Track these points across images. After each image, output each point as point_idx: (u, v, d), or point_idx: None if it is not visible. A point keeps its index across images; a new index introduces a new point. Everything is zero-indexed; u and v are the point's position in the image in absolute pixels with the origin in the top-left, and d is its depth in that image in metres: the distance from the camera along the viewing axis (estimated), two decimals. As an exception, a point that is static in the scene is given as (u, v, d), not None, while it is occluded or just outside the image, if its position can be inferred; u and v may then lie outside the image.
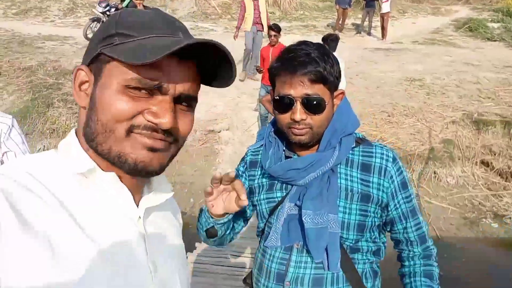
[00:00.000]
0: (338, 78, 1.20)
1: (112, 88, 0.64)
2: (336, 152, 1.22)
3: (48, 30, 10.86)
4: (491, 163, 5.52)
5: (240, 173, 1.42)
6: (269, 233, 1.29)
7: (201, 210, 1.30)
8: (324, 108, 1.17)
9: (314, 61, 1.13)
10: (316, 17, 14.80)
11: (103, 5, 9.84)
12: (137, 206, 0.74)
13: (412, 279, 1.29)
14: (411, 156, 5.55)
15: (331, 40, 5.19)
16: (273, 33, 5.81)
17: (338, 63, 1.20)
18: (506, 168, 5.40)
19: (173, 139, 0.69)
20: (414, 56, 9.55)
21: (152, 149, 0.66)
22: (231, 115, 6.63)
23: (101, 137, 0.65)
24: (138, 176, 0.68)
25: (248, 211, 1.45)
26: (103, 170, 0.68)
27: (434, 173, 5.34)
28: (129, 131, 0.65)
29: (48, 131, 6.23)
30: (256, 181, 1.37)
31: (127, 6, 8.19)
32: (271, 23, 7.07)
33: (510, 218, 4.78)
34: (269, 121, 5.09)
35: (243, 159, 1.44)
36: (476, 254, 4.30)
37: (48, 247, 0.57)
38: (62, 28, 11.46)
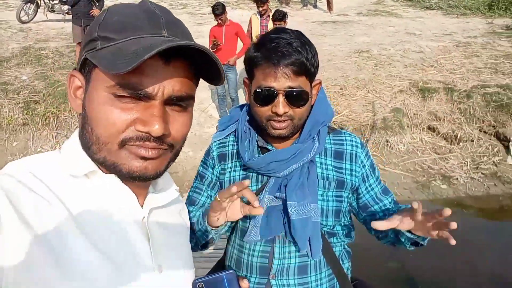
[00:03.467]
0: (317, 68, 1.18)
1: (99, 98, 0.63)
2: (316, 142, 1.23)
3: (-24, 14, 9.97)
4: (436, 128, 5.87)
5: (208, 168, 1.37)
6: (245, 227, 1.27)
7: (191, 225, 1.24)
8: (307, 101, 1.16)
9: (297, 51, 1.10)
10: (261, -10, 14.63)
11: (37, -16, 9.17)
12: (142, 206, 0.74)
13: (392, 211, 1.29)
14: (364, 127, 5.79)
15: (278, 16, 5.26)
16: (218, 18, 5.56)
17: (316, 52, 1.18)
18: (450, 132, 5.78)
19: (167, 145, 0.67)
20: (360, 28, 9.81)
21: (145, 158, 0.65)
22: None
23: (95, 147, 0.65)
24: (136, 181, 0.68)
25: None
26: (104, 172, 0.68)
27: (386, 141, 5.61)
28: (123, 144, 0.64)
29: (-10, 125, 5.82)
30: (227, 175, 1.32)
31: None
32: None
33: (456, 178, 5.16)
34: (227, 100, 4.90)
35: (208, 152, 1.38)
36: (429, 215, 4.63)
37: (49, 249, 0.58)
38: (-9, 11, 10.55)
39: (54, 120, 5.85)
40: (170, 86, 0.64)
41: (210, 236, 1.20)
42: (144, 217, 0.73)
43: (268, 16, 5.91)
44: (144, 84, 0.61)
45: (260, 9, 5.92)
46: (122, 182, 0.69)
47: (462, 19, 11.16)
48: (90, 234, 0.63)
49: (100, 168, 0.68)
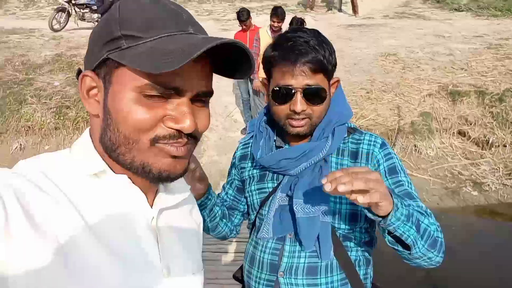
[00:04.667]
0: (335, 66, 1.18)
1: (126, 97, 0.62)
2: (329, 142, 1.21)
3: (11, 24, 10.39)
4: (467, 132, 5.71)
5: (232, 167, 1.44)
6: (260, 224, 1.28)
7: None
8: (325, 98, 1.16)
9: (314, 49, 1.11)
10: (286, -5, 14.66)
11: (68, -7, 9.48)
12: (152, 206, 0.73)
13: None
14: (392, 131, 5.68)
15: (296, 24, 5.22)
16: (242, 24, 5.69)
17: (334, 51, 1.18)
18: (481, 137, 5.60)
19: (193, 139, 0.68)
20: (387, 31, 9.65)
21: (175, 157, 0.65)
22: (211, 101, 6.55)
23: (123, 148, 0.64)
24: (162, 183, 0.68)
25: (241, 203, 1.45)
26: (114, 172, 0.68)
27: (415, 146, 5.49)
28: (154, 141, 0.63)
29: (23, 129, 6.03)
30: (246, 173, 1.36)
31: None
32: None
33: (488, 185, 4.99)
34: (251, 104, 4.95)
35: (234, 153, 1.43)
36: (460, 222, 4.50)
37: (58, 250, 0.57)
38: (25, 21, 11.00)
39: (84, 125, 6.00)
40: (198, 83, 0.65)
41: (205, 213, 1.29)
42: (153, 217, 0.72)
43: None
44: (175, 81, 0.62)
45: (276, 24, 5.24)
46: (132, 182, 0.69)
47: (492, 21, 10.83)
48: (99, 235, 0.62)
49: (111, 168, 0.68)
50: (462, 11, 12.28)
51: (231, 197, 1.45)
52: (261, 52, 5.33)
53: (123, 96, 0.62)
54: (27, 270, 0.54)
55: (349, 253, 1.23)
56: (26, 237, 0.54)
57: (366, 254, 1.28)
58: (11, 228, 0.53)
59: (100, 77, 0.65)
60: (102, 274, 0.61)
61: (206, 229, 1.36)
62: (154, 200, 0.74)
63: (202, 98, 0.67)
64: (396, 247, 1.07)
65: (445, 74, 6.75)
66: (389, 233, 1.03)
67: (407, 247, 1.05)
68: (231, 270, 3.11)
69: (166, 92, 0.62)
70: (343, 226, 1.22)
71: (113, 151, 0.65)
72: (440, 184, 5.06)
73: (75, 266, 0.58)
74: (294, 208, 1.17)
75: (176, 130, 0.63)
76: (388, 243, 1.07)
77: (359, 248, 1.25)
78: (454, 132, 5.72)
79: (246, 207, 1.45)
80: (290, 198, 1.22)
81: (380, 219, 0.98)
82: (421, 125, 5.69)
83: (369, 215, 0.99)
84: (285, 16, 5.28)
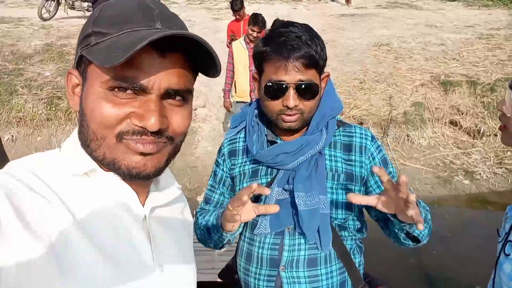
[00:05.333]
0: (325, 61, 1.19)
1: (95, 93, 0.62)
2: (324, 135, 1.24)
3: (-1, 12, 10.18)
4: (459, 122, 5.77)
5: (220, 165, 1.38)
6: (255, 221, 1.26)
7: (207, 229, 1.29)
8: (317, 94, 1.17)
9: (307, 44, 1.11)
10: (279, -16, 14.56)
11: (57, -19, 9.30)
12: (143, 204, 0.73)
13: None
14: (385, 121, 5.72)
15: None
16: (236, 14, 5.65)
17: (325, 46, 1.19)
18: (473, 127, 5.67)
19: (166, 138, 0.66)
20: (379, 21, 9.65)
21: (144, 154, 0.64)
22: (205, 92, 6.55)
23: (93, 143, 0.64)
24: (135, 180, 0.67)
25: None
26: (105, 170, 0.67)
27: (407, 136, 5.54)
28: (120, 137, 0.63)
29: (14, 120, 5.96)
30: (237, 170, 1.34)
31: None
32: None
33: (479, 174, 5.07)
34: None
35: (220, 150, 1.40)
36: (452, 211, 4.58)
37: (50, 249, 0.57)
38: (13, 9, 10.77)
39: (76, 115, 5.94)
40: (166, 79, 0.63)
41: (227, 238, 1.25)
42: (145, 216, 0.72)
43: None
44: (139, 77, 0.60)
45: (255, 34, 4.45)
46: (123, 180, 0.68)
47: (484, 11, 10.88)
48: (91, 234, 0.62)
49: (100, 167, 0.67)
50: (454, 0, 12.31)
51: (227, 197, 1.41)
52: (240, 68, 4.47)
53: (92, 92, 0.63)
54: (18, 269, 0.54)
55: (344, 243, 1.27)
56: (17, 237, 0.54)
57: (359, 242, 1.33)
58: (2, 228, 0.54)
59: (80, 74, 0.66)
60: (94, 273, 0.61)
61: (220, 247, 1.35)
62: (146, 199, 0.74)
63: (177, 95, 0.65)
64: (407, 242, 1.20)
65: (437, 64, 6.79)
66: (406, 233, 1.15)
67: (415, 239, 1.17)
68: (225, 260, 3.14)
69: (134, 89, 0.61)
70: (339, 216, 1.25)
71: (86, 147, 0.66)
72: (432, 173, 5.12)
73: (67, 265, 0.58)
74: (296, 201, 1.18)
75: (141, 127, 0.62)
76: (400, 239, 1.20)
77: (353, 236, 1.29)
78: (446, 122, 5.78)
79: None
80: (288, 191, 1.23)
81: (407, 225, 1.10)
82: (413, 115, 5.74)
83: (397, 222, 1.09)
84: (266, 24, 4.48)
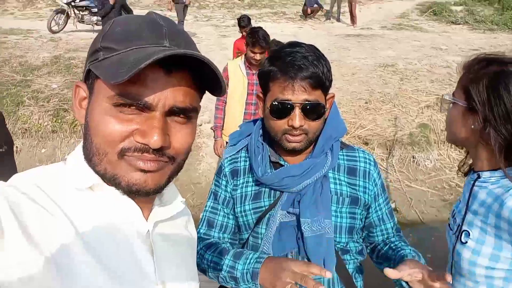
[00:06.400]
0: (331, 82, 1.19)
1: (100, 108, 0.63)
2: (329, 157, 1.23)
3: (9, 24, 10.35)
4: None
5: (221, 186, 1.33)
6: (255, 243, 1.25)
7: (226, 270, 1.17)
8: (323, 114, 1.17)
9: (313, 65, 1.12)
10: (285, 3, 14.77)
11: (68, -5, 9.45)
12: (147, 219, 0.72)
13: (395, 247, 1.29)
14: (390, 142, 5.70)
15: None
16: (243, 29, 5.57)
17: (330, 67, 1.19)
18: (479, 150, 5.64)
19: (168, 158, 0.65)
20: (385, 42, 9.74)
21: (144, 171, 0.64)
22: (211, 107, 6.54)
23: (95, 158, 0.64)
24: (136, 196, 0.67)
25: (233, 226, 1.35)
26: (108, 184, 0.67)
27: (413, 157, 5.51)
28: (122, 154, 0.63)
29: (20, 131, 5.96)
30: (239, 191, 1.30)
31: None
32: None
33: (486, 197, 5.01)
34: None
35: (220, 171, 1.35)
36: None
37: (53, 263, 0.57)
38: (23, 21, 10.96)
39: (82, 128, 5.96)
40: (172, 97, 0.63)
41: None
42: (148, 230, 0.71)
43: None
44: (144, 94, 0.61)
45: (257, 57, 3.42)
46: (127, 195, 0.68)
47: (489, 34, 10.99)
48: (93, 248, 0.62)
49: (104, 181, 0.67)
50: (459, 24, 12.45)
51: (232, 218, 1.33)
52: (234, 96, 3.49)
53: (97, 106, 0.63)
54: (20, 280, 0.53)
55: (346, 266, 1.26)
56: (20, 249, 0.54)
57: (360, 265, 1.32)
58: (5, 239, 0.53)
59: (88, 88, 0.67)
60: (95, 287, 0.60)
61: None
62: (149, 213, 0.74)
63: (181, 114, 0.65)
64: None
65: (442, 86, 6.81)
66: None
67: None
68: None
69: (139, 105, 0.61)
70: (343, 240, 1.24)
71: (89, 161, 0.66)
72: (438, 196, 5.08)
73: (68, 279, 0.57)
74: (302, 228, 1.16)
75: (143, 144, 0.62)
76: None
77: (355, 260, 1.29)
78: (451, 145, 5.75)
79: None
80: (292, 215, 1.21)
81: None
82: (419, 137, 5.72)
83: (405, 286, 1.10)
84: (268, 40, 3.46)
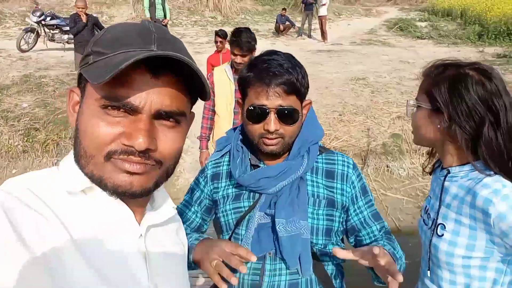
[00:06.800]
0: (307, 89, 1.23)
1: (89, 111, 0.64)
2: (305, 160, 1.26)
3: (-25, 43, 10.06)
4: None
5: (199, 185, 1.38)
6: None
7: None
8: (297, 119, 1.20)
9: (288, 72, 1.16)
10: (257, 21, 15.04)
11: (38, 14, 9.31)
12: (139, 223, 0.73)
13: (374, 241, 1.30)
14: (365, 152, 5.83)
15: None
16: (219, 39, 5.73)
17: (307, 74, 1.23)
18: (449, 157, 5.84)
19: (154, 161, 0.66)
20: (355, 57, 10.04)
21: (130, 173, 0.64)
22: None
23: (83, 160, 0.65)
24: (124, 197, 0.67)
25: (206, 223, 1.44)
26: (101, 188, 0.67)
27: (387, 166, 5.64)
28: (108, 157, 0.63)
29: (-12, 152, 5.78)
30: (220, 193, 1.34)
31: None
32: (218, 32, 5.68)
33: (458, 203, 5.17)
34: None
35: (203, 171, 1.40)
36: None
37: (46, 268, 0.57)
38: (-10, 40, 10.67)
39: (54, 147, 5.82)
40: (158, 100, 0.63)
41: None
42: (141, 235, 0.71)
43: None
44: (130, 96, 0.61)
45: (238, 60, 3.18)
46: (120, 199, 0.69)
47: (453, 48, 11.50)
48: (87, 253, 0.62)
49: (94, 184, 0.67)
50: (424, 38, 12.98)
51: (199, 217, 1.41)
52: (221, 104, 3.25)
53: (86, 109, 0.64)
54: (14, 285, 0.53)
55: (325, 268, 1.28)
56: (14, 255, 0.54)
57: (340, 267, 1.34)
58: (0, 246, 0.54)
59: (81, 92, 0.68)
60: None
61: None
62: (141, 218, 0.74)
63: (170, 117, 0.66)
64: (383, 284, 1.17)
65: (412, 98, 7.01)
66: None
67: None
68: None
69: (125, 108, 0.62)
70: (320, 241, 1.26)
71: (77, 162, 0.66)
72: (413, 203, 5.20)
73: (60, 283, 0.57)
74: (277, 228, 1.19)
75: (129, 146, 0.62)
76: (377, 283, 1.23)
77: (334, 261, 1.30)
78: (423, 153, 5.93)
79: (207, 227, 1.45)
80: (270, 216, 1.23)
81: (377, 280, 1.17)
82: (392, 146, 5.87)
83: (372, 273, 1.13)
84: (252, 47, 3.18)
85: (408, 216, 4.98)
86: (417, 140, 1.37)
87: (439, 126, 1.23)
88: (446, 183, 1.27)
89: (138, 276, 0.69)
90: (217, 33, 5.81)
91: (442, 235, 1.23)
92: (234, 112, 3.26)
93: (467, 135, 1.18)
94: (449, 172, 1.27)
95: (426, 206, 1.39)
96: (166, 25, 9.22)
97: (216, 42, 5.82)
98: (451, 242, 1.21)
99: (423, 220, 1.38)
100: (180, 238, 0.88)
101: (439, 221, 1.26)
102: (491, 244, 1.15)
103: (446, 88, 1.19)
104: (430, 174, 1.46)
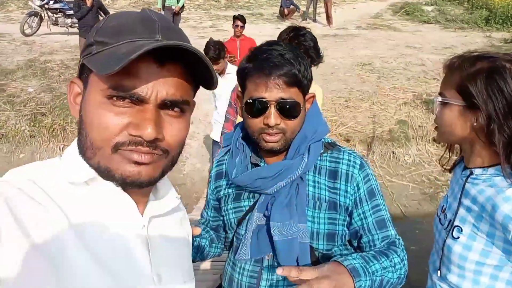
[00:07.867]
0: (310, 81, 1.15)
1: (94, 102, 0.63)
2: (304, 159, 1.17)
3: (-21, 27, 10.02)
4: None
5: (210, 186, 1.36)
6: (238, 244, 1.24)
7: None
8: (299, 113, 1.12)
9: (289, 63, 1.08)
10: (261, 4, 14.86)
11: (41, -3, 9.23)
12: (142, 214, 0.73)
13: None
14: (370, 139, 5.83)
15: None
16: (240, 23, 5.54)
17: (310, 66, 1.16)
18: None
19: (161, 151, 0.65)
20: (361, 41, 9.94)
21: (138, 163, 0.64)
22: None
23: (89, 152, 0.65)
24: (130, 188, 0.67)
25: (221, 221, 1.38)
26: (104, 179, 0.67)
27: (393, 153, 5.65)
28: (116, 148, 0.63)
29: (-4, 137, 5.81)
30: (222, 192, 1.30)
31: None
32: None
33: (463, 189, 5.18)
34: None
35: (210, 171, 1.38)
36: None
37: (48, 259, 0.57)
38: (-6, 24, 10.62)
39: (61, 132, 5.85)
40: (164, 89, 0.63)
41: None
42: (144, 225, 0.71)
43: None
44: (137, 86, 0.61)
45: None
46: (123, 189, 0.68)
47: (460, 33, 11.35)
48: (89, 243, 0.62)
49: (99, 175, 0.67)
50: (431, 23, 12.81)
51: (211, 218, 1.39)
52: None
53: (91, 99, 0.64)
54: (16, 275, 0.54)
55: None
56: (16, 246, 0.55)
57: None
58: (1, 234, 0.54)
59: (83, 82, 0.67)
60: (91, 282, 0.60)
61: (198, 259, 1.29)
62: (144, 208, 0.73)
63: (174, 107, 0.66)
64: None
65: (418, 84, 7.00)
66: None
67: None
68: (210, 279, 3.08)
69: (132, 98, 0.62)
70: (321, 246, 1.18)
71: (83, 154, 0.66)
72: (419, 190, 5.22)
73: (63, 273, 0.58)
74: (272, 231, 1.13)
75: (137, 136, 0.62)
76: None
77: None
78: (429, 139, 5.92)
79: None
80: (267, 218, 1.17)
81: None
82: (398, 133, 5.87)
83: None
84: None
85: (414, 203, 5.01)
86: (443, 138, 1.28)
87: (475, 124, 1.13)
88: (467, 185, 1.20)
89: (141, 267, 0.69)
90: (237, 17, 5.61)
91: (458, 237, 1.19)
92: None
93: (506, 138, 1.08)
94: (471, 173, 1.20)
95: (443, 205, 1.33)
96: (178, 13, 8.75)
97: (237, 26, 5.62)
98: (466, 246, 1.16)
99: (439, 219, 1.33)
100: (184, 228, 0.88)
101: (456, 223, 1.21)
102: (507, 255, 1.11)
103: (483, 82, 1.10)
104: (450, 172, 1.39)
